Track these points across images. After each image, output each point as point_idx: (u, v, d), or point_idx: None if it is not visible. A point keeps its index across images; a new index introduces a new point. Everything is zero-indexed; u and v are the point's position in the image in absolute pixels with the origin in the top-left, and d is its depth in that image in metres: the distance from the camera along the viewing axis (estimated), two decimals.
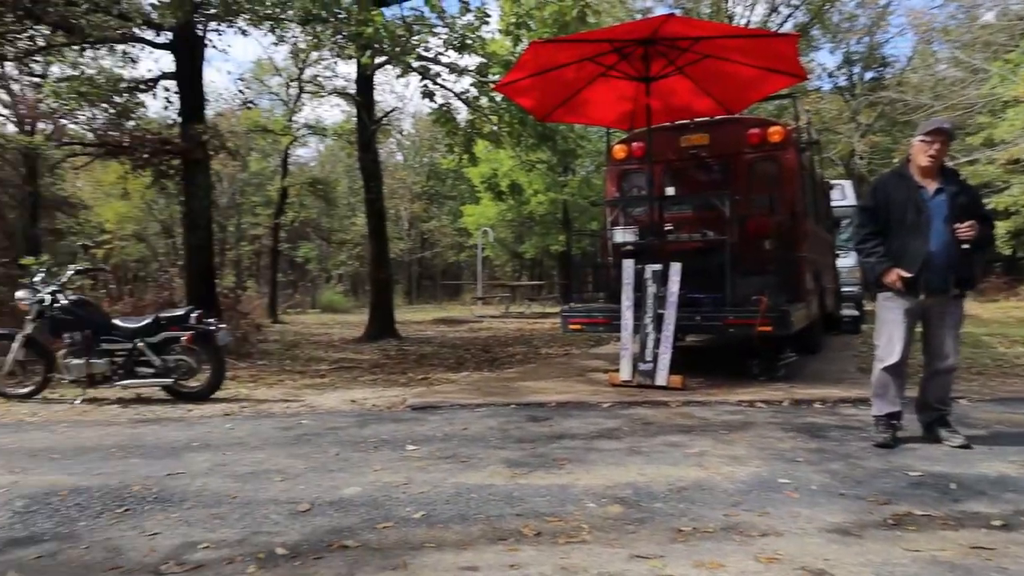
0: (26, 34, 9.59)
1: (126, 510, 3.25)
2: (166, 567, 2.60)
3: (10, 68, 12.56)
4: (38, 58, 11.07)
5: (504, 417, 5.29)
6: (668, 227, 7.34)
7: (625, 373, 6.42)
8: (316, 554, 2.69)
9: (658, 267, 6.42)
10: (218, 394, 6.37)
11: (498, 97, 10.53)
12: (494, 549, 2.70)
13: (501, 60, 10.31)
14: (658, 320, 6.33)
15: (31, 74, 13.22)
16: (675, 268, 6.35)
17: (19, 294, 6.58)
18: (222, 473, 3.85)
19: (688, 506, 3.16)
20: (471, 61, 10.81)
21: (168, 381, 6.25)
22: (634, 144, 8.03)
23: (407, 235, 34.46)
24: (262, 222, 24.37)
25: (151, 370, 6.26)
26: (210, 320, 6.47)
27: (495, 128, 11.60)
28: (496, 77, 9.94)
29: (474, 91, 11.19)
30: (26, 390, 6.39)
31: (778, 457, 3.99)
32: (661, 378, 6.19)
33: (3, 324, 7.13)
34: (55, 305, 6.36)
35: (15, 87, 15.00)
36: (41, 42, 10.07)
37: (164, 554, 2.72)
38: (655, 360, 6.25)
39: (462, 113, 12.54)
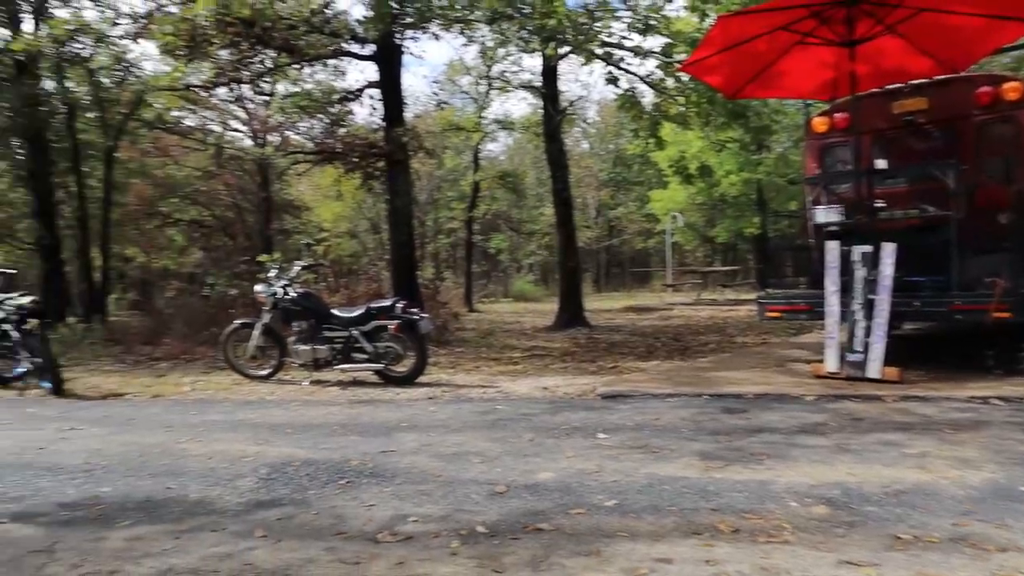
0: (258, 59, 10.87)
1: (348, 482, 3.61)
2: (381, 536, 2.86)
3: (246, 90, 14.33)
4: (267, 79, 12.51)
5: (697, 408, 5.16)
6: (879, 204, 6.68)
7: (831, 364, 5.97)
8: (513, 535, 2.81)
9: (868, 248, 5.88)
10: (422, 379, 6.84)
11: (685, 77, 10.20)
12: (688, 543, 2.65)
13: (687, 38, 9.98)
14: (869, 306, 5.80)
15: (261, 93, 15.02)
16: (888, 249, 5.77)
17: (257, 288, 7.53)
18: (427, 453, 4.14)
19: (907, 511, 2.88)
20: (655, 43, 10.55)
21: (379, 366, 6.82)
22: (837, 115, 7.40)
23: (594, 223, 34.52)
24: (457, 216, 25.66)
25: (364, 356, 6.87)
26: (414, 310, 6.97)
27: (682, 109, 11.26)
28: (682, 57, 9.64)
29: (659, 73, 10.93)
30: (265, 372, 7.29)
31: (1020, 462, 3.51)
32: (873, 370, 5.67)
33: (246, 315, 8.18)
34: (286, 297, 7.19)
35: (250, 106, 17.09)
36: (269, 64, 11.37)
37: (380, 524, 2.99)
38: (866, 350, 5.75)
39: (647, 97, 12.32)
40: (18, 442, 4.81)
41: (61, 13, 12.64)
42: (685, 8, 11.26)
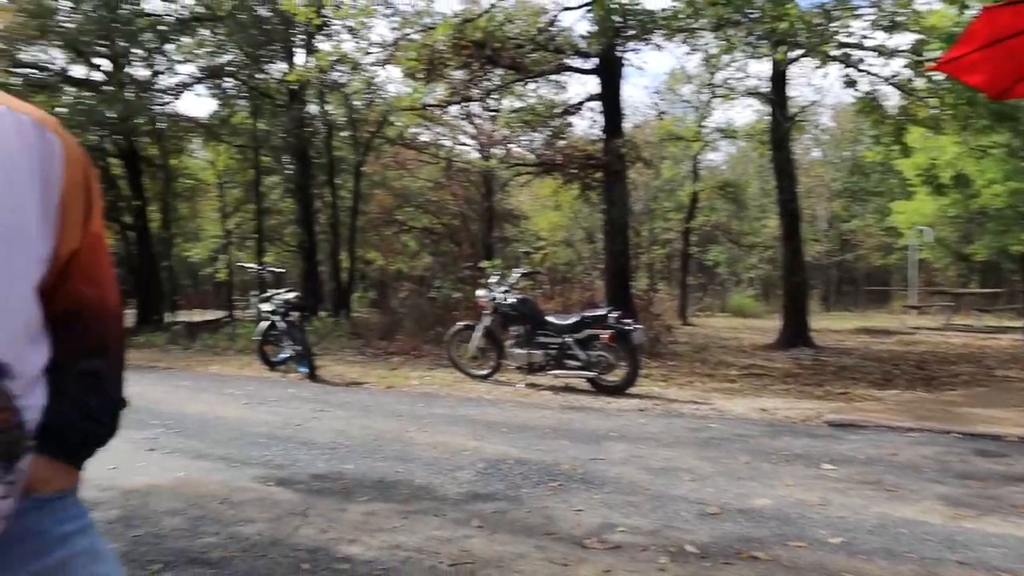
0: (487, 77, 11.58)
1: (558, 485, 3.72)
2: (589, 542, 2.91)
3: (474, 106, 15.33)
4: (494, 95, 13.28)
5: (943, 446, 4.59)
6: None
7: None
8: (725, 559, 2.71)
9: None
10: (632, 390, 6.82)
11: (938, 77, 9.13)
12: None
13: (942, 34, 8.92)
14: None
15: (488, 109, 15.96)
16: None
17: (479, 293, 8.00)
18: (636, 464, 4.13)
19: None
20: (903, 40, 9.59)
21: (591, 374, 6.92)
22: None
23: (824, 236, 32.01)
24: (673, 227, 25.22)
25: (577, 363, 7.01)
26: (627, 320, 6.97)
27: (934, 112, 10.09)
28: (936, 55, 8.63)
29: (907, 73, 9.90)
30: (483, 372, 7.72)
31: None
32: None
33: (468, 317, 8.72)
34: (505, 303, 7.56)
35: (477, 121, 18.22)
36: (497, 81, 12.06)
37: (587, 530, 3.05)
38: None
39: (891, 99, 11.22)
40: (281, 418, 5.58)
41: (325, 46, 14.46)
42: (941, 0, 10.08)
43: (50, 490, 0.96)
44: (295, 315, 8.13)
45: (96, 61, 15.68)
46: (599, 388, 6.91)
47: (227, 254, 21.55)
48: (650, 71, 61.45)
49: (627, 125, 14.06)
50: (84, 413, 1.01)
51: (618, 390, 6.79)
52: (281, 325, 8.13)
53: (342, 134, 17.49)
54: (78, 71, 15.79)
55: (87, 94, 15.21)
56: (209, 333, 12.78)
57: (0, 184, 0.87)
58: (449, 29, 9.95)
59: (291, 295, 8.35)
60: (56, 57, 15.28)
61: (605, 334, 6.83)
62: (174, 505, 3.44)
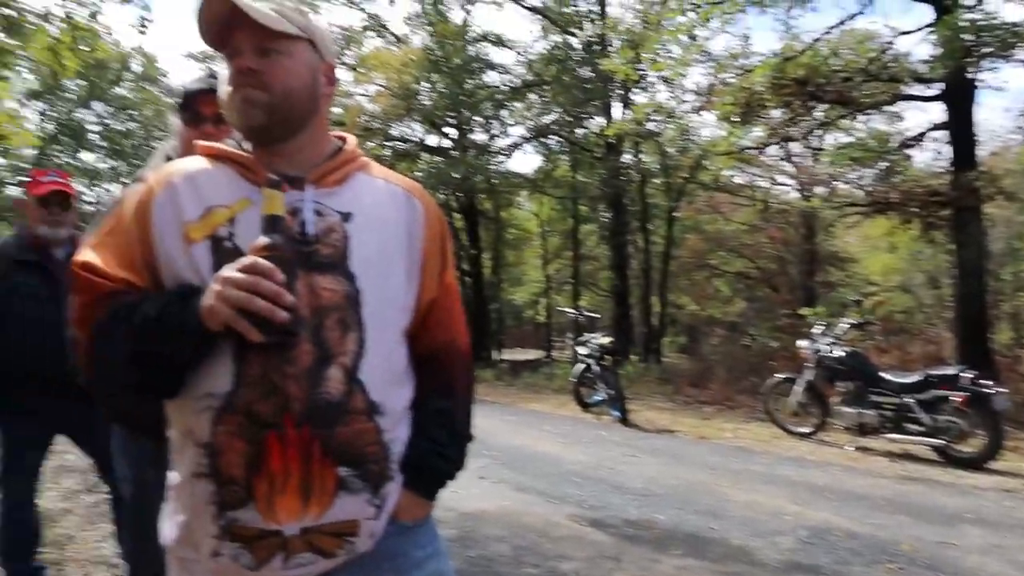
0: (809, 115, 10.95)
1: (898, 568, 3.30)
2: None
3: (794, 146, 14.57)
4: (818, 132, 12.48)
5: None
6: None
7: None
8: None
9: None
10: (993, 464, 5.76)
11: None
12: None
13: None
14: None
15: (809, 147, 15.03)
16: None
17: (801, 343, 7.48)
18: (1000, 556, 3.49)
19: None
20: None
21: (938, 442, 6.01)
22: None
23: None
24: None
25: (919, 428, 6.14)
26: (985, 381, 5.94)
27: None
28: None
29: None
30: (805, 430, 7.14)
31: None
32: None
33: (786, 368, 8.20)
34: (831, 355, 6.95)
35: (797, 160, 17.24)
36: (821, 117, 11.32)
37: None
38: None
39: None
40: (594, 459, 5.81)
41: (640, 98, 15.01)
42: None
43: (410, 519, 1.12)
44: (609, 359, 8.43)
45: (446, 130, 18.34)
46: (948, 459, 5.96)
47: (546, 298, 23.22)
48: (1012, 90, 52.15)
49: (982, 153, 12.13)
50: (436, 449, 1.14)
51: (973, 463, 5.77)
52: (595, 369, 8.48)
53: (655, 181, 17.88)
54: (432, 140, 18.68)
55: (438, 159, 17.83)
56: (529, 372, 13.84)
57: (378, 248, 1.08)
58: (768, 69, 9.65)
59: (606, 340, 8.69)
60: (416, 130, 18.28)
61: (957, 396, 5.89)
62: (500, 532, 3.79)
